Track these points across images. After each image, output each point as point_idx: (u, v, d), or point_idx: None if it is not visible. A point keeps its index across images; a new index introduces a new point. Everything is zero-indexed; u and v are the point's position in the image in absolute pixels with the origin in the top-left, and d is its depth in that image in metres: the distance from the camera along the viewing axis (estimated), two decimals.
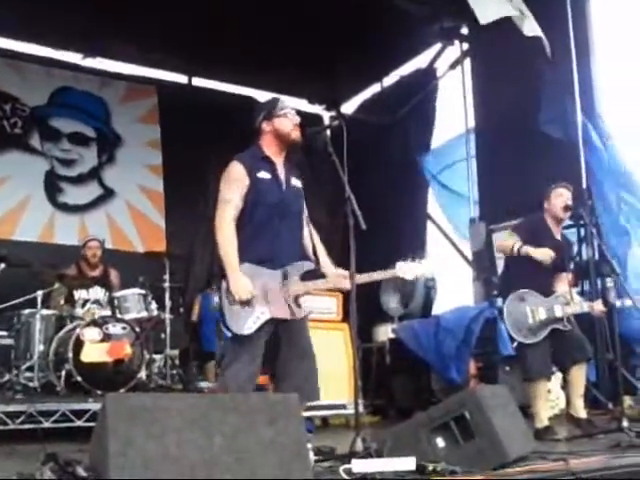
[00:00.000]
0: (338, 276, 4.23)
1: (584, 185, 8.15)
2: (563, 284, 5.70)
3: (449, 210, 10.93)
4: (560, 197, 5.66)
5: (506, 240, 5.61)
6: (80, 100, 10.83)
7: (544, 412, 5.48)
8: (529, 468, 3.44)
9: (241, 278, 3.98)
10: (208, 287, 9.35)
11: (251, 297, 3.98)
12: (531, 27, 7.37)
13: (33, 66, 10.49)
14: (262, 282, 4.05)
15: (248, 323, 3.99)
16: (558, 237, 5.73)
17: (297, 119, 4.30)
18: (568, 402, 5.69)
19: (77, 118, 10.80)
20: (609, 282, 6.30)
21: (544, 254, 5.40)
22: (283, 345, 4.15)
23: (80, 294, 7.42)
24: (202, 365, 9.23)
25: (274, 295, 4.07)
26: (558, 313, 5.42)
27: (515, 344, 5.52)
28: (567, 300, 5.53)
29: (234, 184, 4.12)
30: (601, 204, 8.09)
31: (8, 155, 10.14)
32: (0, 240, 9.30)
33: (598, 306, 5.60)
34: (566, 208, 5.63)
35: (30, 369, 6.89)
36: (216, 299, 4.13)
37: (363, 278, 4.05)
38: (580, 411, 5.54)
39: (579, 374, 5.62)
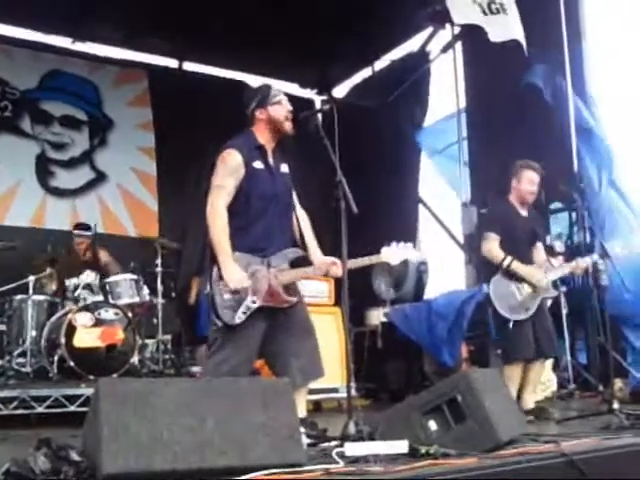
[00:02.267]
0: (325, 263, 4.24)
1: (575, 168, 8.14)
2: (540, 254, 5.81)
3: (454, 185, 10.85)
4: (530, 183, 5.73)
5: (492, 250, 5.61)
6: (71, 83, 10.75)
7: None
8: (521, 450, 3.45)
9: (234, 267, 3.98)
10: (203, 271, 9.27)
11: (244, 286, 3.97)
12: (504, 29, 7.34)
13: (22, 50, 10.38)
14: (252, 270, 4.05)
15: (238, 313, 4.00)
16: (524, 213, 5.81)
17: (290, 107, 4.30)
18: (518, 396, 5.57)
19: (68, 101, 10.72)
20: (600, 265, 6.31)
21: (530, 274, 5.49)
22: (282, 330, 4.15)
23: (71, 280, 7.41)
24: (193, 350, 9.20)
25: (264, 283, 4.06)
26: (542, 283, 5.46)
27: (510, 324, 5.51)
28: (548, 268, 5.59)
29: (230, 172, 4.11)
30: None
31: None
32: None
33: (580, 264, 5.62)
34: (532, 194, 5.70)
35: (23, 355, 6.90)
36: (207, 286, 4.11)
37: (350, 264, 4.06)
38: (529, 403, 5.57)
39: (539, 369, 5.70)
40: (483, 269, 5.88)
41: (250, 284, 4.02)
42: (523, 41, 7.50)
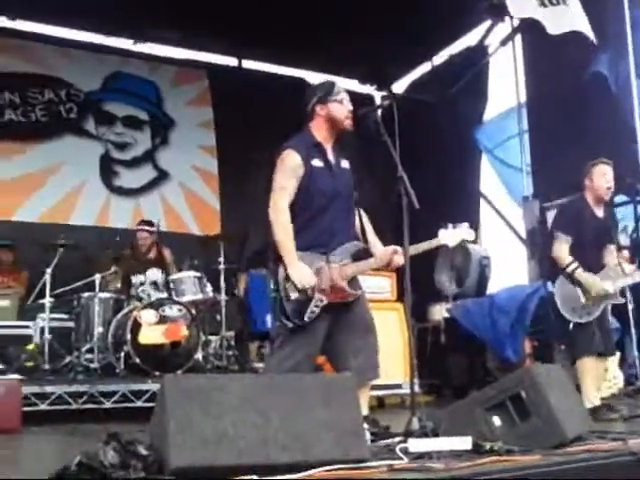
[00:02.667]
0: (386, 253, 4.23)
1: None
2: (611, 257, 5.62)
3: (509, 185, 10.79)
4: (603, 176, 5.55)
5: (560, 252, 5.46)
6: (132, 84, 10.96)
7: (593, 392, 5.38)
8: (588, 447, 3.39)
9: (302, 267, 3.99)
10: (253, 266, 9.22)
11: (312, 285, 3.99)
12: (564, 21, 7.15)
13: (85, 53, 10.63)
14: (316, 268, 4.05)
15: (307, 312, 4.00)
16: (600, 214, 5.61)
17: (350, 106, 4.29)
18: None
19: (130, 102, 10.93)
20: None
21: (590, 284, 5.32)
22: (344, 326, 4.14)
23: (137, 277, 7.53)
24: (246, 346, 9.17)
25: (329, 280, 4.06)
26: (609, 288, 5.35)
27: (571, 325, 5.42)
28: (618, 273, 5.46)
29: (290, 173, 4.10)
30: None
31: (64, 140, 10.31)
32: (57, 225, 9.47)
33: None
34: (609, 189, 5.56)
35: (90, 351, 7.05)
36: (271, 285, 4.13)
37: (410, 251, 4.04)
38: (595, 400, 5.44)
39: (601, 367, 5.62)
40: (550, 267, 5.75)
41: (316, 282, 4.03)
42: (587, 31, 7.30)
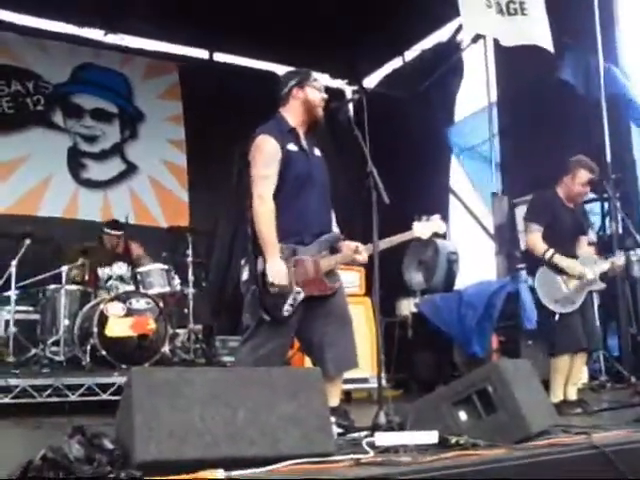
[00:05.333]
0: (349, 249, 4.22)
1: (608, 158, 8.07)
2: (584, 247, 5.69)
3: (478, 181, 10.85)
4: (584, 186, 5.58)
5: (534, 241, 5.49)
6: (102, 76, 10.83)
7: (561, 388, 5.44)
8: (551, 441, 3.44)
9: (278, 263, 3.95)
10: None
11: (286, 283, 3.96)
12: (519, 33, 7.04)
13: (55, 43, 10.48)
14: (294, 260, 4.03)
15: (286, 306, 3.98)
16: (572, 205, 5.67)
17: (325, 95, 4.29)
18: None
19: (99, 94, 10.79)
20: (633, 256, 6.26)
21: (571, 267, 5.38)
22: (320, 318, 4.12)
23: (104, 270, 7.48)
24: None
25: (306, 272, 4.05)
26: (590, 275, 5.39)
27: (557, 317, 5.45)
28: (594, 259, 5.53)
29: (270, 159, 4.05)
30: None
31: (31, 132, 10.16)
32: (24, 217, 9.38)
33: (618, 261, 5.59)
34: (581, 196, 5.62)
35: (56, 343, 6.99)
36: (245, 276, 4.06)
37: (384, 244, 4.05)
38: (572, 395, 5.52)
39: (581, 362, 5.64)
40: (528, 261, 5.78)
41: (293, 276, 3.99)
42: (545, 43, 7.14)
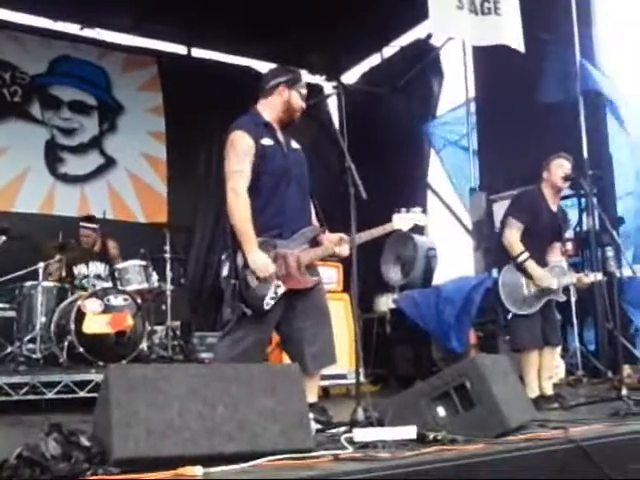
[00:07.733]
0: (333, 241, 4.21)
1: (585, 154, 8.12)
2: (556, 254, 5.70)
3: (456, 177, 10.89)
4: (560, 167, 5.60)
5: (512, 238, 5.48)
6: (80, 69, 10.74)
7: (535, 382, 5.47)
8: (529, 436, 3.46)
9: (260, 255, 3.94)
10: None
11: (271, 273, 3.96)
12: (490, 33, 7.02)
13: (32, 36, 10.40)
14: (274, 254, 4.02)
15: (266, 299, 3.97)
16: (554, 208, 5.68)
17: (304, 106, 4.28)
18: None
19: (77, 86, 10.70)
20: (609, 251, 6.31)
21: (540, 278, 5.38)
22: (300, 313, 4.12)
23: (80, 269, 7.43)
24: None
25: (287, 266, 4.04)
26: (553, 285, 5.43)
27: (509, 315, 5.50)
28: (563, 271, 5.54)
29: (242, 154, 4.03)
30: None
31: (8, 124, 10.06)
32: (0, 212, 9.29)
33: (585, 279, 5.64)
34: (566, 178, 5.59)
35: (32, 341, 6.92)
36: (225, 271, 4.05)
37: (364, 236, 4.05)
38: (548, 390, 5.56)
39: (550, 357, 5.69)
40: (498, 254, 5.79)
41: (275, 269, 3.99)
42: (516, 44, 7.06)
